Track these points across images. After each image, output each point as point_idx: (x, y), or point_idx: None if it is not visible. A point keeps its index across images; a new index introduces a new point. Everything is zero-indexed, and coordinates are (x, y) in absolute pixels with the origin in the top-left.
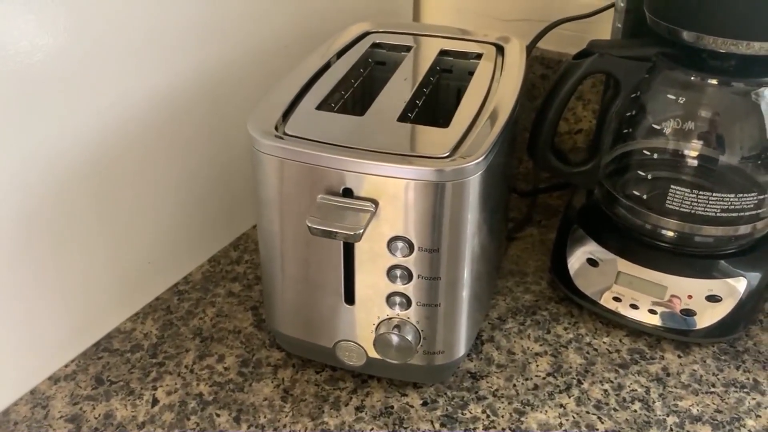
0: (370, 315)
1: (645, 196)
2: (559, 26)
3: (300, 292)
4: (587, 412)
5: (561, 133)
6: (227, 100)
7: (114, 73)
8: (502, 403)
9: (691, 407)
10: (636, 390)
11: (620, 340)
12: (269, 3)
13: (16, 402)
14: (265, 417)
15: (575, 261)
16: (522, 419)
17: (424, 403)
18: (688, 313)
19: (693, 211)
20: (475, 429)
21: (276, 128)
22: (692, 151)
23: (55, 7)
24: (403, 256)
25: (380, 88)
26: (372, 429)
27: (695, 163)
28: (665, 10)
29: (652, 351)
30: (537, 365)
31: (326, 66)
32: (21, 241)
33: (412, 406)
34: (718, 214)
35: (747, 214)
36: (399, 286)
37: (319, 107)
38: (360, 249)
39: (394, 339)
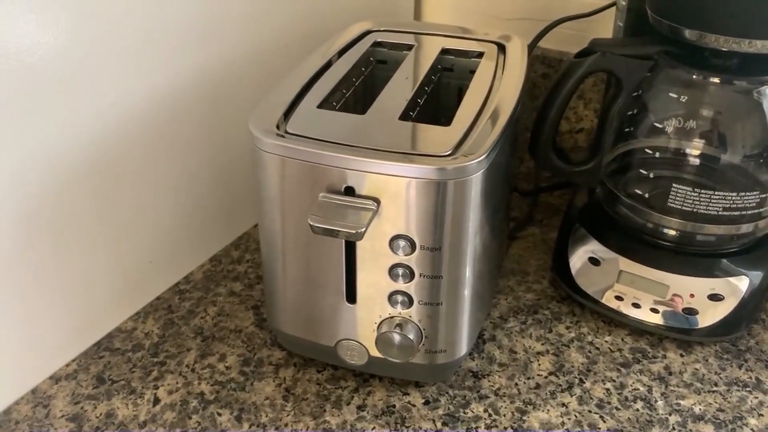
0: (372, 314)
1: (647, 195)
2: (561, 25)
3: (301, 291)
4: (589, 411)
5: (562, 132)
6: (227, 99)
7: (114, 73)
8: (504, 402)
9: (693, 406)
10: (638, 389)
11: (622, 339)
12: (269, 3)
13: (18, 401)
14: (266, 416)
15: (577, 260)
16: (524, 418)
17: (426, 402)
18: (690, 312)
19: (695, 210)
20: (477, 428)
21: (277, 127)
22: (694, 149)
23: (56, 6)
24: (405, 255)
25: (382, 87)
26: (374, 428)
27: (697, 161)
28: (667, 9)
29: (654, 350)
30: (539, 364)
31: (327, 65)
32: (21, 241)
33: (413, 405)
34: (720, 213)
35: (749, 212)
36: (401, 285)
37: (320, 106)
38: (362, 247)
39: (396, 338)
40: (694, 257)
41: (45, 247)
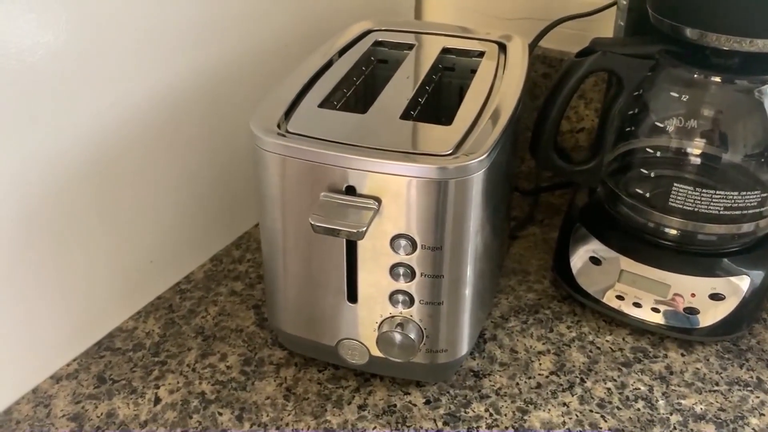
0: (373, 313)
1: (648, 195)
2: (561, 24)
3: (302, 290)
4: (590, 411)
5: (563, 132)
6: (228, 99)
7: (115, 73)
8: (505, 401)
9: (694, 405)
10: (639, 388)
11: (623, 339)
12: (269, 3)
13: (18, 401)
14: (267, 416)
15: (578, 259)
16: (525, 418)
17: (427, 402)
18: (692, 311)
19: (696, 209)
20: (478, 428)
21: (278, 126)
22: (695, 148)
23: (57, 6)
24: (406, 254)
25: (382, 86)
26: (375, 428)
27: (698, 161)
28: (668, 8)
29: (656, 349)
30: (540, 364)
31: (328, 64)
32: (21, 241)
33: (414, 405)
34: (721, 212)
35: (750, 212)
36: (402, 284)
37: (321, 105)
38: (363, 247)
39: (397, 337)
40: (695, 257)
41: (45, 247)
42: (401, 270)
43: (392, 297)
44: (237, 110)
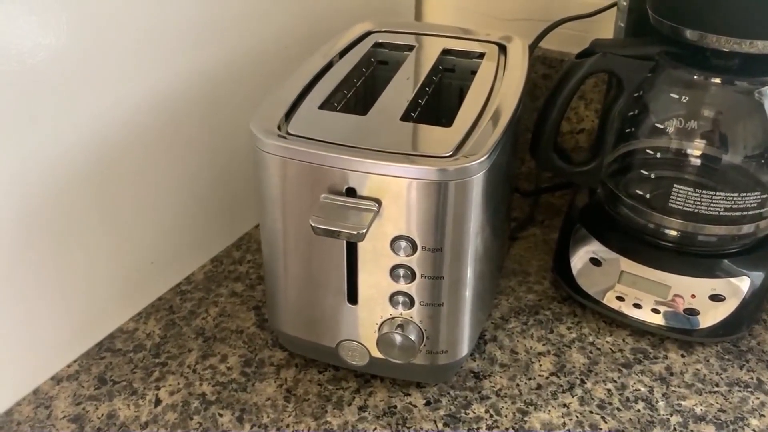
0: (373, 314)
1: (648, 196)
2: (562, 25)
3: (303, 291)
4: (590, 412)
5: (563, 133)
6: (228, 100)
7: (115, 74)
8: (506, 402)
9: (694, 407)
10: (639, 389)
11: (623, 340)
12: (270, 3)
13: (19, 402)
14: (268, 417)
15: (578, 260)
16: (525, 419)
17: (427, 403)
18: (692, 312)
19: (696, 211)
20: (478, 429)
21: (279, 128)
22: (695, 150)
23: (58, 7)
24: (406, 256)
25: (383, 88)
26: (375, 429)
27: (698, 162)
28: (668, 9)
29: (656, 350)
30: (540, 365)
31: (329, 65)
32: (21, 241)
33: (415, 406)
34: (721, 214)
35: (750, 213)
36: (402, 286)
37: (321, 107)
38: (363, 248)
39: (397, 338)
40: (696, 258)
41: (45, 247)
42: (401, 271)
43: (392, 298)
44: (237, 111)
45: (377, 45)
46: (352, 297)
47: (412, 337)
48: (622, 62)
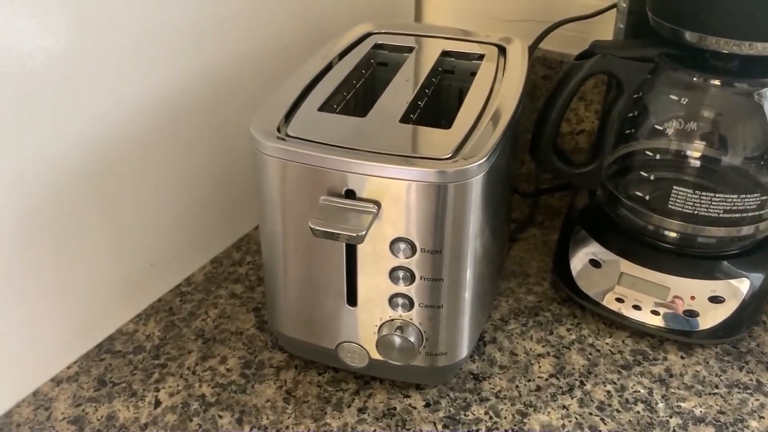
0: (373, 316)
1: (648, 197)
2: (561, 27)
3: (302, 293)
4: (590, 414)
5: (563, 134)
6: (228, 101)
7: (115, 75)
8: (505, 404)
9: (694, 408)
10: (639, 391)
11: (623, 341)
12: (270, 4)
13: (19, 404)
14: (267, 418)
15: (578, 262)
16: (525, 420)
17: (427, 405)
18: (691, 314)
19: (696, 212)
20: (477, 430)
21: (278, 130)
22: (695, 151)
23: (57, 9)
24: (406, 258)
25: (382, 90)
26: (374, 430)
27: (698, 163)
28: (668, 11)
29: (655, 352)
30: (539, 366)
31: (328, 67)
32: (21, 241)
33: (414, 408)
34: (720, 215)
35: (750, 214)
36: (401, 288)
37: (321, 108)
38: (362, 250)
39: (397, 340)
40: (695, 259)
41: (45, 247)
42: (401, 273)
43: (392, 300)
44: (237, 112)
45: (377, 46)
46: (352, 299)
47: (412, 339)
48: (622, 64)
